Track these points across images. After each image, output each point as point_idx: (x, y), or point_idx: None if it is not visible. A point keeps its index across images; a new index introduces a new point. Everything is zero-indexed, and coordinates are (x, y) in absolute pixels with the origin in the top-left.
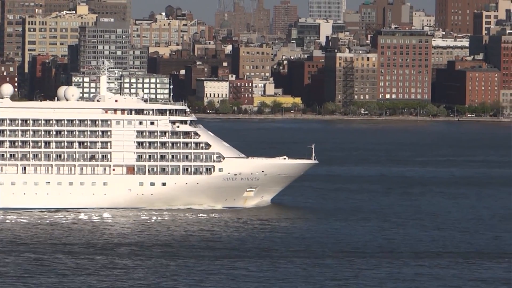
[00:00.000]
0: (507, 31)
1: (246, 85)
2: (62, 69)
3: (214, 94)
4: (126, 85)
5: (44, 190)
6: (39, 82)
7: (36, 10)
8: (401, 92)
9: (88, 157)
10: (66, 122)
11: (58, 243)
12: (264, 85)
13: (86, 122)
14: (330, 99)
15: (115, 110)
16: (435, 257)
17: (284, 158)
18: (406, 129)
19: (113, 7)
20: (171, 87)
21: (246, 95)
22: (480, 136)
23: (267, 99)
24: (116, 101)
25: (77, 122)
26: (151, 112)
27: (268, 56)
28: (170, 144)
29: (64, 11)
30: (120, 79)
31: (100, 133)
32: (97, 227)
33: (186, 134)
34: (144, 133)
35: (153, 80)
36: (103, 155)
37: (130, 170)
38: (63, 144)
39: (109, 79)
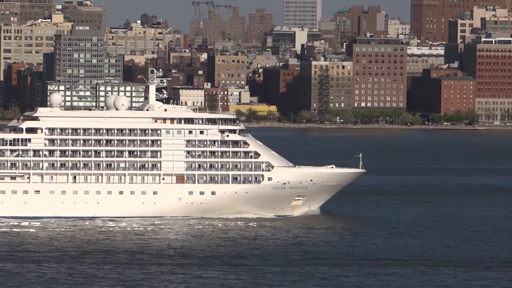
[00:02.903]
0: (482, 40)
1: (222, 93)
2: (37, 77)
3: (189, 102)
4: (102, 93)
5: (95, 199)
6: (14, 91)
7: (12, 18)
8: (376, 100)
9: (138, 166)
10: (116, 131)
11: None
12: (240, 93)
13: (136, 131)
14: (305, 107)
15: (164, 119)
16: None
17: (332, 167)
18: (381, 137)
19: (89, 15)
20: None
21: (221, 103)
22: (453, 144)
23: (243, 107)
24: (165, 110)
25: (127, 131)
26: (200, 121)
27: (243, 64)
28: (219, 153)
29: (40, 19)
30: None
31: (150, 142)
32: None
33: (235, 143)
34: (194, 142)
35: (128, 88)
36: (153, 164)
37: (180, 179)
38: (113, 153)
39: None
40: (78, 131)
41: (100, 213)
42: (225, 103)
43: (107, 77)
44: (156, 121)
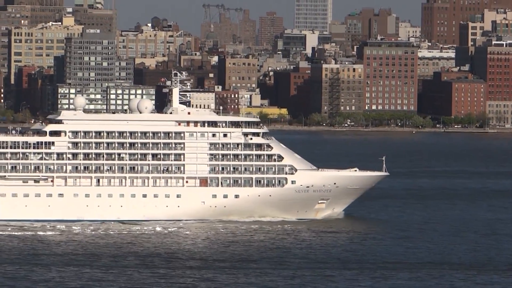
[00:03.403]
0: (493, 42)
1: (232, 96)
2: (48, 80)
3: (200, 106)
4: (112, 96)
5: (118, 202)
6: (25, 94)
7: (22, 21)
8: (387, 103)
9: (162, 169)
10: (139, 134)
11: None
12: (250, 96)
13: (159, 135)
14: (316, 110)
15: (188, 123)
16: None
17: (355, 170)
18: (391, 140)
19: (99, 18)
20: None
21: (232, 106)
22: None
23: (253, 110)
24: (189, 113)
25: (151, 134)
26: (224, 124)
27: (254, 67)
28: (243, 156)
29: (50, 22)
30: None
31: (174, 145)
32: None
33: (259, 146)
34: (217, 145)
35: (139, 91)
36: (176, 167)
37: (203, 182)
38: (136, 156)
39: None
40: (102, 134)
41: (124, 217)
42: (236, 106)
43: (117, 80)
44: (179, 124)
